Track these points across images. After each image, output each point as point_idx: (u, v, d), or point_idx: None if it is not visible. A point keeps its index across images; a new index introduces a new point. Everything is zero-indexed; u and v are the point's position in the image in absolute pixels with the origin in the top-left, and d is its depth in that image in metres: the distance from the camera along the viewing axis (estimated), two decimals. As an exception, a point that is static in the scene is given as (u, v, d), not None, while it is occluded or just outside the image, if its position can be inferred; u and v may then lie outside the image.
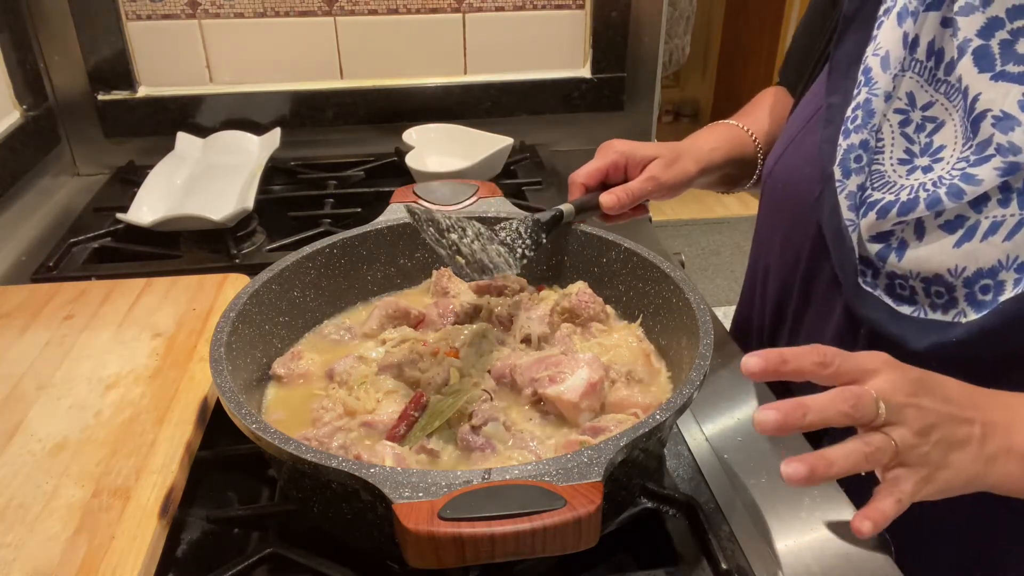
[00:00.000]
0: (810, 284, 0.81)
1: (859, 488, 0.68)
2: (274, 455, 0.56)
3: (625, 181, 0.88)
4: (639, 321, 0.79)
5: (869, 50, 0.73)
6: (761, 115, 0.99)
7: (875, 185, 0.72)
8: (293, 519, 0.65)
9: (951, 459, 0.57)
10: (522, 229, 0.78)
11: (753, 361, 0.56)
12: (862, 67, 0.73)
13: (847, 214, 0.72)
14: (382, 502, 0.50)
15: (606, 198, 0.85)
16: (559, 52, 1.46)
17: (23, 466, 0.65)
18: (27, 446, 0.67)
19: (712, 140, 0.94)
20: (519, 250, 0.76)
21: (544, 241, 0.80)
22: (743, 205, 3.92)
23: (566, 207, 0.82)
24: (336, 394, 0.69)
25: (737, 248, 3.57)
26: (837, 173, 0.73)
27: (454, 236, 0.70)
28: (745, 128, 0.97)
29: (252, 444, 0.57)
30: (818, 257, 0.78)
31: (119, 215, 1.11)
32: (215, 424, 0.72)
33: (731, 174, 0.96)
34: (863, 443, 0.55)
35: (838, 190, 0.73)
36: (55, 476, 0.64)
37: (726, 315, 1.03)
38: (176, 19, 1.34)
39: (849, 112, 0.73)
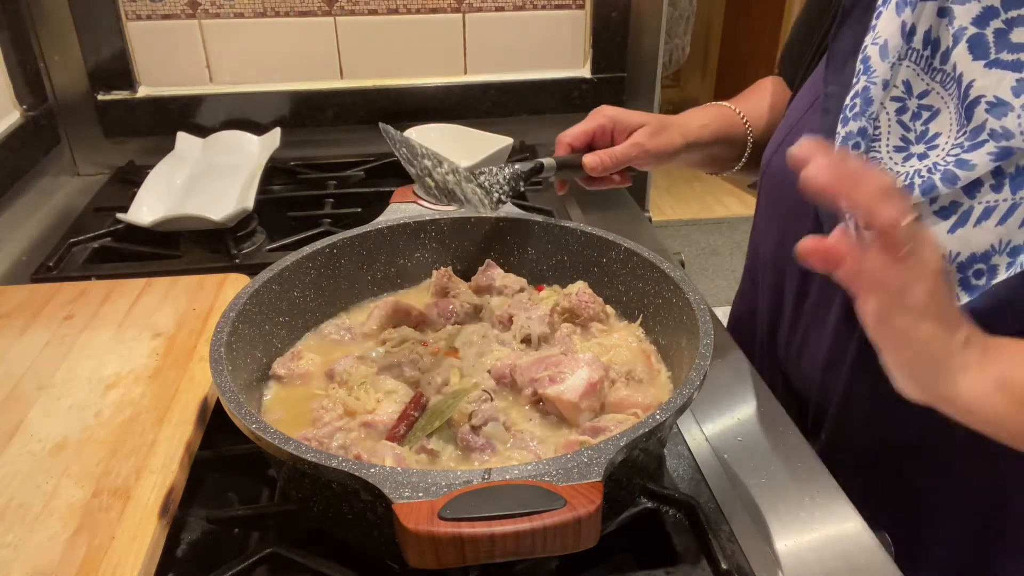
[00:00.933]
0: (808, 274, 0.81)
1: (872, 500, 0.69)
2: (274, 455, 0.56)
3: (612, 146, 0.89)
4: (639, 321, 0.79)
5: (868, 39, 0.73)
6: (757, 101, 1.00)
7: None
8: (293, 519, 0.65)
9: (929, 327, 0.54)
10: (501, 176, 0.79)
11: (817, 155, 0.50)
12: (861, 56, 0.73)
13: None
14: (382, 502, 0.50)
15: (589, 159, 0.87)
16: (559, 52, 1.46)
17: (23, 466, 0.65)
18: (27, 446, 0.67)
19: (702, 117, 0.95)
20: (495, 194, 0.78)
21: (521, 189, 0.81)
22: (743, 205, 3.91)
23: (547, 160, 0.85)
24: (336, 394, 0.69)
25: (737, 248, 3.57)
26: None
27: (427, 163, 0.71)
28: (738, 111, 0.98)
29: (252, 444, 0.57)
30: None
31: (119, 215, 1.11)
32: (215, 424, 0.72)
33: (719, 154, 0.97)
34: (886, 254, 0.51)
35: None
36: (55, 476, 0.64)
37: (726, 315, 1.03)
38: (176, 19, 1.34)
39: (848, 100, 0.73)
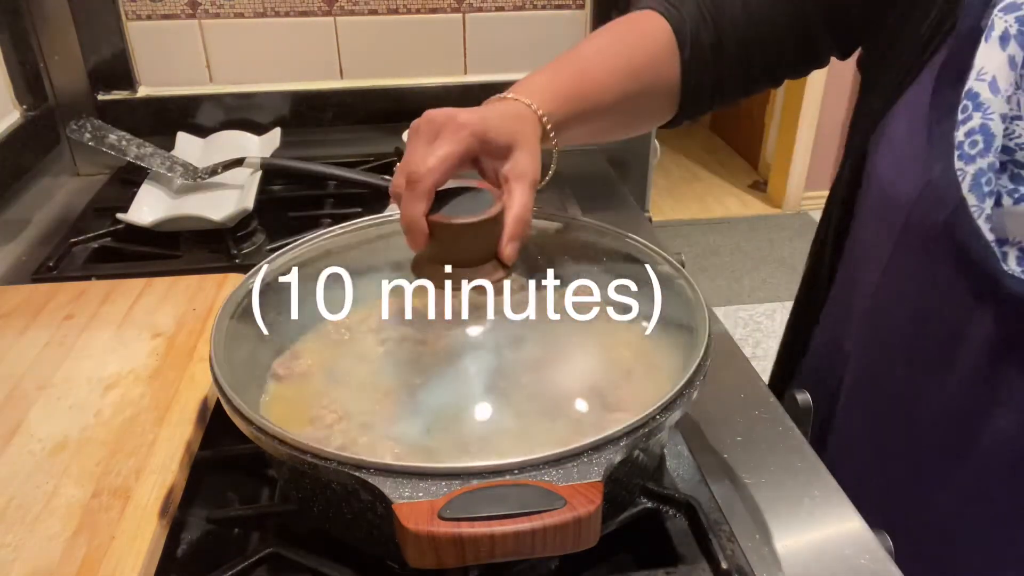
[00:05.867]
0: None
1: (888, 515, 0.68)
2: (274, 455, 0.56)
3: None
4: (639, 321, 0.79)
5: (972, 75, 0.69)
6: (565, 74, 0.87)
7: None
8: (293, 519, 0.65)
9: None
10: None
11: None
12: (965, 92, 0.69)
13: (988, 235, 0.68)
14: (382, 502, 0.50)
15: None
16: (559, 52, 1.46)
17: (23, 466, 0.65)
18: (27, 446, 0.67)
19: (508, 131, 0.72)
20: None
21: None
22: (743, 205, 3.92)
23: None
24: (336, 394, 0.69)
25: (737, 248, 3.56)
26: (971, 199, 0.68)
27: None
28: (528, 103, 0.76)
29: (252, 444, 0.57)
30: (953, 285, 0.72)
31: (119, 215, 1.11)
32: (215, 424, 0.72)
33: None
34: None
35: (975, 215, 0.68)
36: (55, 476, 0.64)
37: (726, 315, 1.03)
38: (176, 19, 1.34)
39: (963, 137, 0.69)
